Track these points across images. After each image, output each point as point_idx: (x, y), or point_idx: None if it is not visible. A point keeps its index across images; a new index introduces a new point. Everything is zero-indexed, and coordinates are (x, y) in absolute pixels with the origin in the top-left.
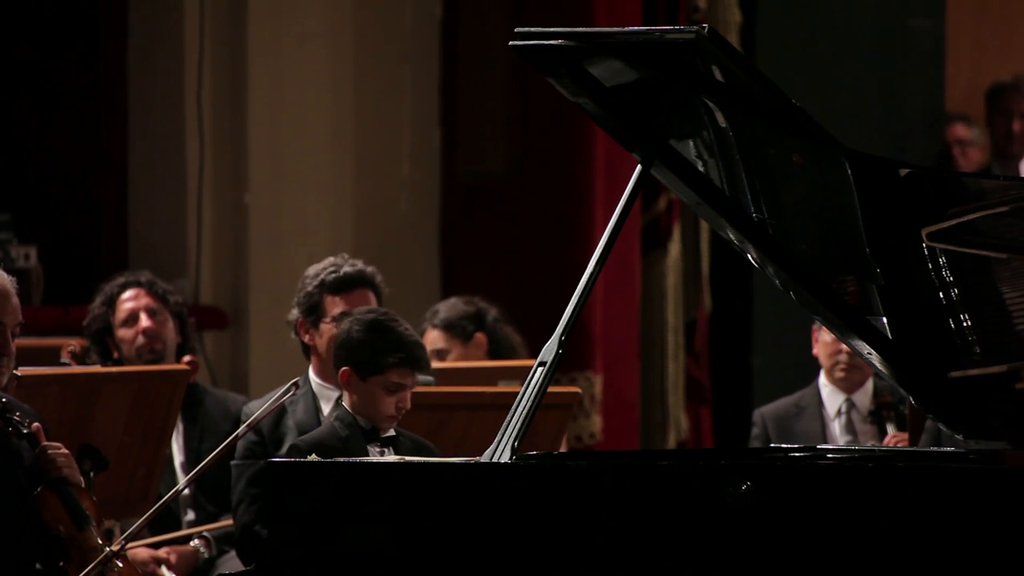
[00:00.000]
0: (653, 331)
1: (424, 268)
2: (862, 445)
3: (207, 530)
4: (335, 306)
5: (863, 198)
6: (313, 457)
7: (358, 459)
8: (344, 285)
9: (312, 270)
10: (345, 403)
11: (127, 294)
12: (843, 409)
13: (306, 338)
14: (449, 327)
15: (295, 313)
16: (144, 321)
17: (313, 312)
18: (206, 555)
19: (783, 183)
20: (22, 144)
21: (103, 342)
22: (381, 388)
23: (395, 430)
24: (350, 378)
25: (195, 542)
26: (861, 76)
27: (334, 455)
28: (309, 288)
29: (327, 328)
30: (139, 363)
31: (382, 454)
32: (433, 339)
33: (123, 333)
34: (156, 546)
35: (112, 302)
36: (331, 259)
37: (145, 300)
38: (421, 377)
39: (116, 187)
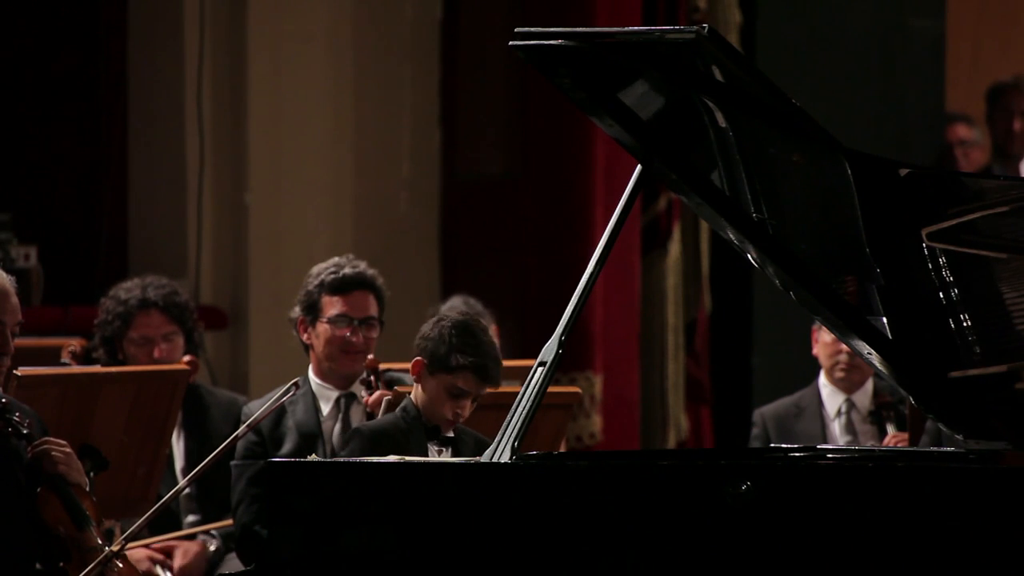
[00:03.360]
0: (653, 331)
1: (424, 268)
2: (862, 445)
3: (206, 529)
4: (332, 307)
5: (863, 198)
6: (313, 457)
7: (358, 459)
8: (343, 286)
9: (316, 269)
10: (413, 395)
11: (145, 318)
12: (843, 409)
13: (304, 337)
14: None
15: (296, 311)
16: (158, 350)
17: (312, 311)
18: (214, 548)
19: (783, 183)
20: (22, 144)
21: (112, 344)
22: (444, 389)
23: (457, 429)
24: (421, 369)
25: (202, 537)
26: (861, 76)
27: (394, 445)
28: (310, 287)
29: (323, 328)
30: None
31: (439, 454)
32: None
33: (134, 351)
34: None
35: (128, 319)
36: (336, 259)
37: (163, 329)
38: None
39: (116, 187)
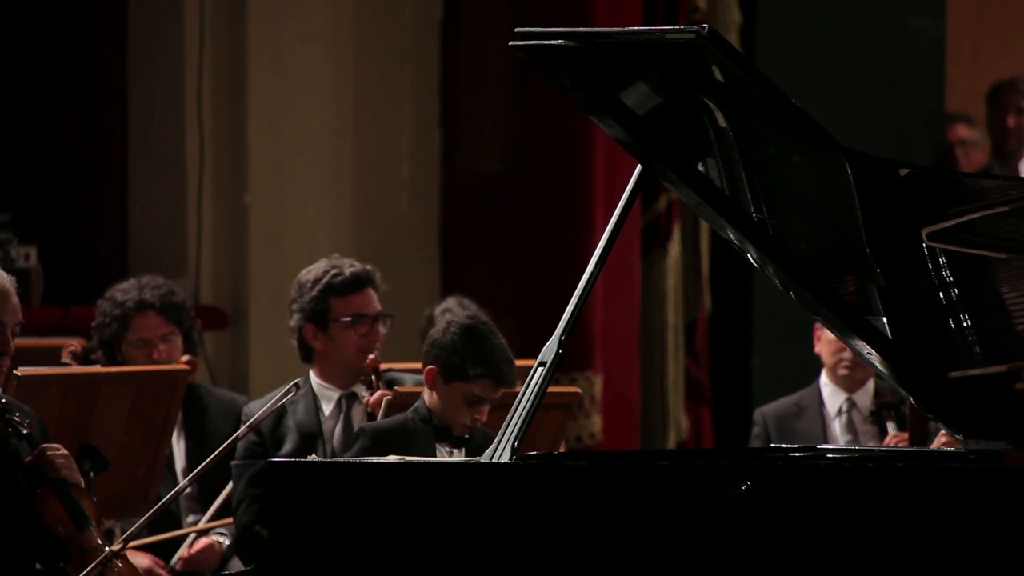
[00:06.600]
0: (653, 331)
1: (424, 268)
2: (862, 445)
3: (207, 528)
4: (347, 308)
5: (863, 198)
6: (313, 457)
7: (358, 459)
8: (352, 286)
9: (310, 275)
10: (425, 398)
11: (142, 320)
12: (844, 409)
13: (316, 344)
14: None
15: (297, 320)
16: (156, 351)
17: (321, 317)
18: (226, 544)
19: (783, 183)
20: (22, 144)
21: (110, 347)
22: (461, 396)
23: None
24: (435, 378)
25: (214, 535)
26: (861, 76)
27: (398, 445)
28: (313, 293)
29: (340, 331)
30: None
31: (450, 454)
32: None
33: (134, 353)
34: (161, 545)
35: (126, 321)
36: (325, 261)
37: (161, 329)
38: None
39: (116, 187)
